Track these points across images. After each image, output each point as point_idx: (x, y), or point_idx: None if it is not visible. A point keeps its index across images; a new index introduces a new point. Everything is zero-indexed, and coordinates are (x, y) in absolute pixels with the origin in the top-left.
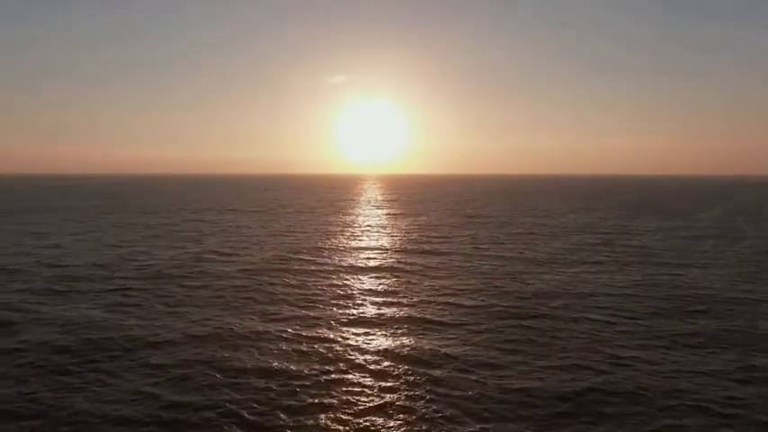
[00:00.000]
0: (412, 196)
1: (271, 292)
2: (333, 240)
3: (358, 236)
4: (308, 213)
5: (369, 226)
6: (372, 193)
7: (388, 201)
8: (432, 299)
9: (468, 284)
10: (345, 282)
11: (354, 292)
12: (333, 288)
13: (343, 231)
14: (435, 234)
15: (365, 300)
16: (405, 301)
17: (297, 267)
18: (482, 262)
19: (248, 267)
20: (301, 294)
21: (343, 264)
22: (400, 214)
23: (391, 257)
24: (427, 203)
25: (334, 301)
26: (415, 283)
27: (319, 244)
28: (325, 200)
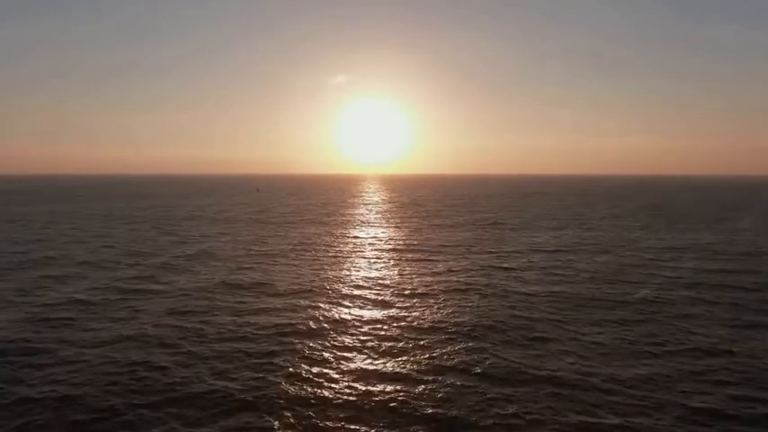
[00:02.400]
0: (416, 199)
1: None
2: (315, 270)
3: (347, 261)
4: (291, 224)
5: (363, 244)
6: (372, 195)
7: (388, 205)
8: (476, 402)
9: (521, 367)
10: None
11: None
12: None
13: (330, 253)
14: (452, 256)
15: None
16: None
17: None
18: (525, 308)
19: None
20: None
21: (329, 321)
22: (404, 223)
23: (397, 302)
24: (432, 207)
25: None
26: (435, 357)
27: (296, 277)
28: (318, 205)
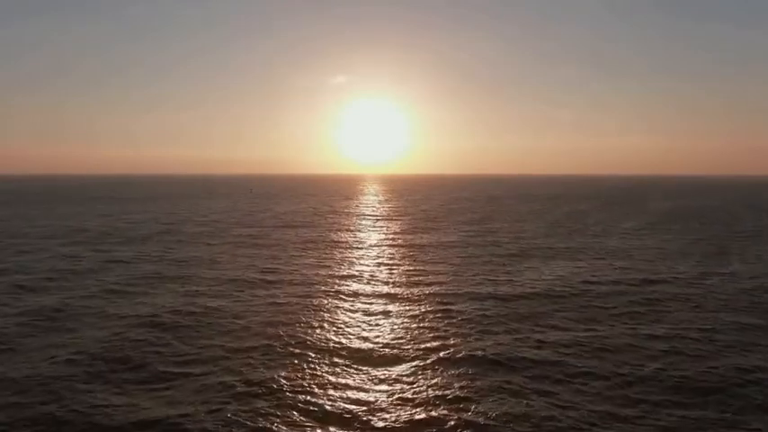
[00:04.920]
0: (417, 202)
1: None
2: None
3: (333, 302)
4: (261, 244)
5: (348, 287)
6: (370, 199)
7: (388, 212)
8: None
9: None
10: None
11: None
12: None
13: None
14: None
15: None
16: None
17: None
18: None
19: None
20: None
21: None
22: (404, 241)
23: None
24: (436, 212)
25: None
26: None
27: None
28: (308, 213)
